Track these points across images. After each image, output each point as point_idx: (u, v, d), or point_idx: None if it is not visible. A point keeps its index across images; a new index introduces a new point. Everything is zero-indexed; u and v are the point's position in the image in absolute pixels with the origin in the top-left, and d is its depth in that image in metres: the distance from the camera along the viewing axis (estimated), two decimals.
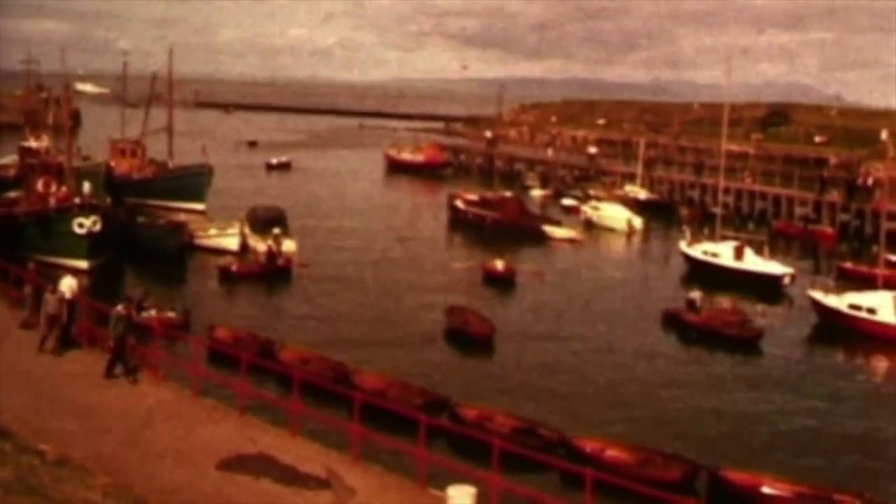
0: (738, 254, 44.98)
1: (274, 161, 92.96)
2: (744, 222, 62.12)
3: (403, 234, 56.65)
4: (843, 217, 62.57)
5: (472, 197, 62.51)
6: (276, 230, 44.41)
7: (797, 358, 33.77)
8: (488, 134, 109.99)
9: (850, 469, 23.22)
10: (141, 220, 48.86)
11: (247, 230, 47.18)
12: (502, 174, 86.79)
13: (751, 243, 46.29)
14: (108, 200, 46.50)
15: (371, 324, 34.76)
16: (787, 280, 43.36)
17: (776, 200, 67.82)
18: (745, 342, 34.15)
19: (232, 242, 46.23)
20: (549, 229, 56.82)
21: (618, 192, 69.55)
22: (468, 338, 32.59)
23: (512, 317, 36.82)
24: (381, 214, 65.55)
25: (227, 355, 25.03)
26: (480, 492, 15.34)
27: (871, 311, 35.88)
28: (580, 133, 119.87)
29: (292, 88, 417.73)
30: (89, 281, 37.06)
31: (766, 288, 43.06)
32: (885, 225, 45.51)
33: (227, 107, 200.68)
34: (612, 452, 21.99)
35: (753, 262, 44.61)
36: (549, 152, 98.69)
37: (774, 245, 50.37)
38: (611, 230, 60.53)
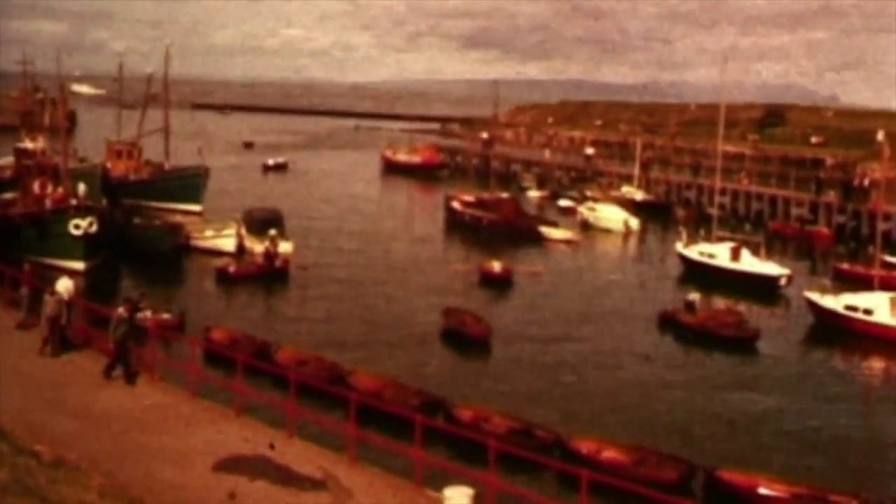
0: (735, 255, 45.00)
1: (270, 162, 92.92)
2: (740, 223, 62.17)
3: (400, 236, 56.67)
4: (840, 218, 62.64)
5: (469, 198, 62.52)
6: (273, 231, 44.36)
7: (793, 359, 33.81)
8: (485, 135, 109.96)
9: (847, 469, 23.24)
10: (137, 221, 48.75)
11: (243, 231, 47.13)
12: (499, 175, 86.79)
13: (747, 244, 46.30)
14: (105, 202, 46.49)
15: (367, 325, 34.74)
16: (783, 281, 43.38)
17: (773, 201, 67.88)
18: (742, 343, 34.17)
19: (228, 244, 46.20)
20: (546, 230, 56.84)
21: (614, 193, 69.54)
22: (465, 339, 32.59)
23: (508, 318, 36.82)
24: (377, 216, 65.56)
25: (224, 356, 25.01)
26: (477, 493, 15.32)
27: (868, 311, 35.93)
28: (577, 134, 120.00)
29: (288, 89, 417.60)
30: (86, 282, 37.03)
31: (762, 289, 43.09)
32: (882, 226, 45.56)
33: (222, 108, 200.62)
34: (608, 453, 21.98)
35: (750, 263, 44.63)
36: (546, 153, 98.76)
37: (771, 246, 50.39)
38: (607, 231, 60.56)
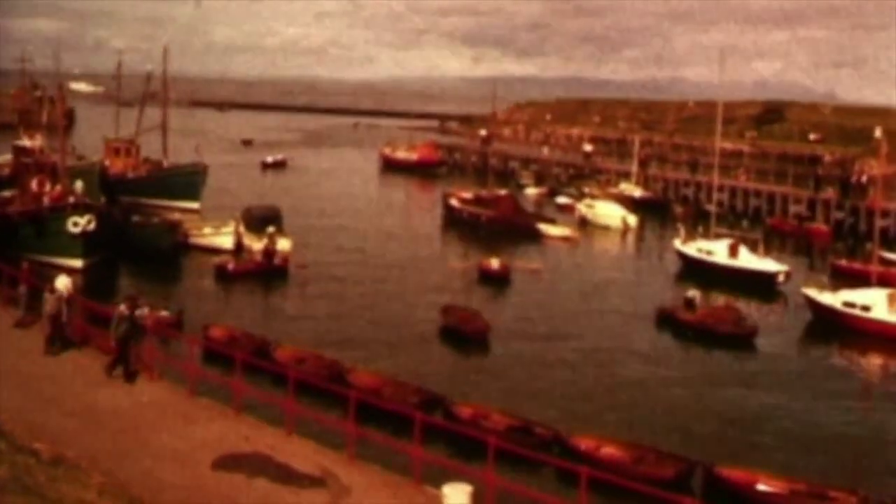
0: (733, 251, 45.02)
1: (269, 160, 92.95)
2: (738, 220, 62.13)
3: (398, 233, 56.68)
4: (838, 214, 62.67)
5: (467, 195, 62.53)
6: (271, 229, 44.37)
7: (791, 355, 33.86)
8: (483, 132, 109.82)
9: (845, 465, 23.27)
10: (135, 219, 48.75)
11: (242, 229, 47.14)
12: (497, 172, 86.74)
13: (745, 241, 46.31)
14: (103, 199, 46.47)
15: (366, 322, 34.75)
16: (781, 278, 43.39)
17: (770, 198, 67.89)
18: (740, 340, 34.19)
19: (226, 241, 46.22)
20: (544, 227, 56.85)
21: (612, 190, 69.56)
22: (463, 336, 32.59)
23: (507, 315, 36.83)
24: (376, 213, 65.53)
25: (223, 354, 25.02)
26: (476, 490, 15.35)
27: (866, 308, 35.96)
28: (575, 131, 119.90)
29: (286, 87, 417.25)
30: (84, 280, 37.01)
31: (760, 285, 43.12)
32: (879, 222, 45.61)
33: (220, 105, 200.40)
34: (607, 450, 22.00)
35: (748, 259, 44.65)
36: (544, 151, 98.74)
37: (769, 243, 50.41)
38: (605, 228, 60.58)
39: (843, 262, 48.50)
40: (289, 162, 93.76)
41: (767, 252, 46.36)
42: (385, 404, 21.29)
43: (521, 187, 78.73)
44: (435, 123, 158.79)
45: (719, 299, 40.78)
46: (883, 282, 38.18)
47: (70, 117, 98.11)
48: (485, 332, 32.68)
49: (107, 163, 61.59)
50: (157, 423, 18.94)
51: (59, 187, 43.19)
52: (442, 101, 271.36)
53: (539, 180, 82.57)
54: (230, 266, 42.04)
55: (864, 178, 68.00)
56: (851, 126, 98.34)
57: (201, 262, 43.97)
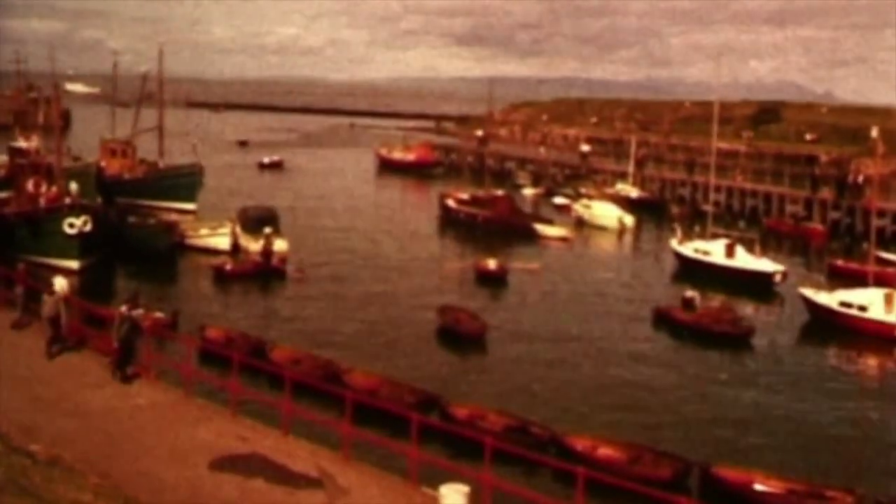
0: (730, 251, 45.06)
1: (265, 160, 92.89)
2: (735, 220, 62.15)
3: (395, 233, 56.65)
4: (834, 214, 62.76)
5: (464, 196, 62.48)
6: (268, 230, 44.33)
7: (788, 355, 33.85)
8: (479, 133, 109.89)
9: (842, 465, 23.30)
10: (132, 220, 48.69)
11: (238, 230, 47.12)
12: (493, 173, 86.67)
13: (742, 241, 46.35)
14: (99, 200, 46.41)
15: (362, 323, 34.73)
16: (778, 278, 43.43)
17: (767, 198, 67.97)
18: (736, 339, 34.22)
19: (223, 242, 46.19)
20: (541, 228, 56.85)
21: (609, 190, 69.54)
22: (460, 336, 32.59)
23: (504, 315, 36.82)
24: (372, 213, 65.51)
25: (219, 355, 24.99)
26: (472, 490, 15.35)
27: (862, 307, 36.01)
28: (571, 131, 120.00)
29: (282, 87, 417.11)
30: (80, 281, 36.95)
31: (757, 285, 43.15)
32: (876, 222, 45.65)
33: (216, 106, 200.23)
34: (603, 450, 22.01)
35: (745, 259, 44.69)
36: (541, 151, 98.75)
37: (766, 243, 50.42)
38: (602, 228, 60.59)
39: (840, 262, 48.54)
40: (285, 163, 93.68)
41: (764, 252, 46.37)
42: (382, 405, 21.27)
43: (518, 188, 78.70)
44: (431, 124, 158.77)
45: (716, 299, 40.79)
46: (879, 281, 38.23)
47: (66, 118, 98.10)
48: (481, 333, 32.68)
49: (103, 164, 61.50)
50: (153, 424, 18.90)
51: (55, 188, 43.17)
52: (439, 102, 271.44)
53: (536, 181, 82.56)
54: (227, 267, 42.02)
55: (860, 178, 68.12)
56: (848, 126, 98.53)
57: (198, 263, 43.95)
